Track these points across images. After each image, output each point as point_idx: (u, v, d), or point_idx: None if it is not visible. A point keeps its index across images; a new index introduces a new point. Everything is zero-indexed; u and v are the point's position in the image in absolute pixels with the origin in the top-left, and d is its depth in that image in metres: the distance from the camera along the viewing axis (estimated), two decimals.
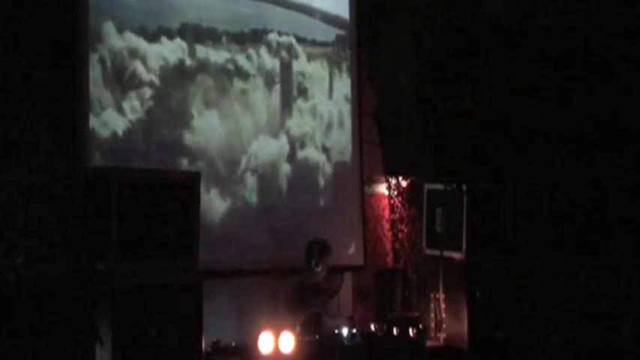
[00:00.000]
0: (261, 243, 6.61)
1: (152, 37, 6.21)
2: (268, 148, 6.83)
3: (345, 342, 5.99)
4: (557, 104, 6.59)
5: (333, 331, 6.01)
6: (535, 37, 6.73)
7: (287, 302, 6.26)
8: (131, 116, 6.06)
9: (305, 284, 6.31)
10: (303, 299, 6.22)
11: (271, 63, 6.93)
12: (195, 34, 6.45)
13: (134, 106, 6.08)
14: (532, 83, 6.73)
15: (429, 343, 6.42)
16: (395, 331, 6.28)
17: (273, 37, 6.95)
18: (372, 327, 6.32)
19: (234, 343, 5.83)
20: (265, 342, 5.63)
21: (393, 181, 7.68)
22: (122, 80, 6.03)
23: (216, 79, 6.56)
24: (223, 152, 6.55)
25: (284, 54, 7.03)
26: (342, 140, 7.38)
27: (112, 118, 5.96)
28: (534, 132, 6.77)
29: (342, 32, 7.48)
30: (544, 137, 6.70)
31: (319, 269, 6.25)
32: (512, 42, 6.81)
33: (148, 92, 6.15)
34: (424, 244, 6.99)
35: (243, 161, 6.67)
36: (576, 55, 6.49)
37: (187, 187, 5.41)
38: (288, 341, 5.66)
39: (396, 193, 7.65)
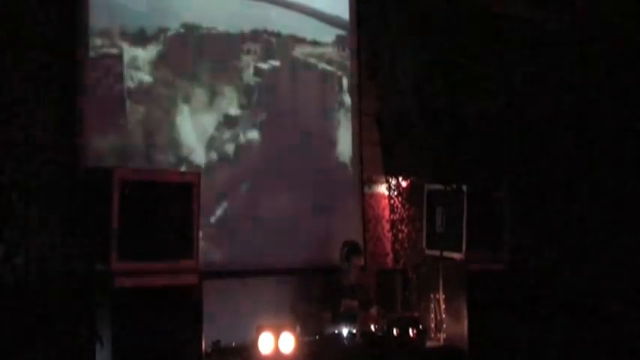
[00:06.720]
0: (261, 243, 6.62)
1: (152, 38, 6.20)
2: (268, 149, 6.83)
3: (345, 342, 5.99)
4: (559, 104, 6.60)
5: (333, 331, 6.01)
6: (534, 37, 6.74)
7: (319, 302, 6.42)
8: (131, 116, 6.07)
9: (340, 285, 6.51)
10: (339, 299, 6.38)
11: (271, 63, 6.92)
12: (195, 34, 6.45)
13: (134, 107, 6.09)
14: (533, 82, 6.74)
15: (428, 344, 6.40)
16: (395, 331, 6.26)
17: (272, 37, 6.95)
18: (372, 327, 6.31)
19: (234, 343, 5.82)
20: (265, 342, 5.62)
21: (393, 181, 7.67)
22: (122, 80, 6.03)
23: (215, 80, 6.56)
24: (223, 152, 6.55)
25: (284, 54, 7.03)
26: (342, 140, 7.38)
27: (112, 118, 5.96)
28: (534, 132, 6.78)
29: (342, 32, 7.47)
30: (544, 137, 6.71)
31: (352, 270, 6.57)
32: (511, 41, 6.83)
33: (148, 92, 6.16)
34: (424, 244, 6.98)
35: (243, 161, 6.68)
36: (580, 55, 6.50)
37: (187, 187, 5.41)
38: (288, 341, 5.65)
39: (396, 193, 7.65)
